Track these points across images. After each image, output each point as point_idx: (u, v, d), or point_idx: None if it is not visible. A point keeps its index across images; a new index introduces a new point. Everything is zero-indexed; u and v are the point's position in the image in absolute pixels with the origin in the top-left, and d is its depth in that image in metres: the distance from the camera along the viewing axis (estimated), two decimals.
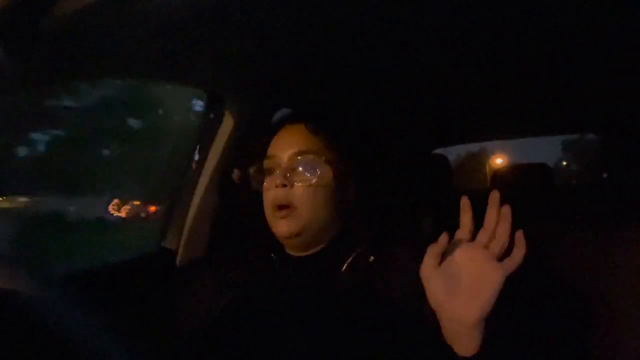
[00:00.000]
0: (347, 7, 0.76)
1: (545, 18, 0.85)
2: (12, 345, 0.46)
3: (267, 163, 0.86)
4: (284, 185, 0.81)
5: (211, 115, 1.20)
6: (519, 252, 0.64)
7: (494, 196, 0.66)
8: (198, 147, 1.23)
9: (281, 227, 0.82)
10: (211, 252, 1.20)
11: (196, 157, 1.23)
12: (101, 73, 0.91)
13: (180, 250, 1.21)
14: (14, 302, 0.45)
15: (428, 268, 0.66)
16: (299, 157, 0.83)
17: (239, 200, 0.97)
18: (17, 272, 0.48)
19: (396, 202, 0.98)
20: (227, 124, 1.16)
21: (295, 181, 0.82)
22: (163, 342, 0.85)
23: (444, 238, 0.65)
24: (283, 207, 0.81)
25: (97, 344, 0.44)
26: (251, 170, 0.88)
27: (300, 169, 0.83)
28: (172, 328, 0.88)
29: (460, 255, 0.66)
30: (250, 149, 0.91)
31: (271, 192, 0.83)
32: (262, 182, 0.87)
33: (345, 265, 0.81)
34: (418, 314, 0.76)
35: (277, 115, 0.94)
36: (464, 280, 0.64)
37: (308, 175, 0.82)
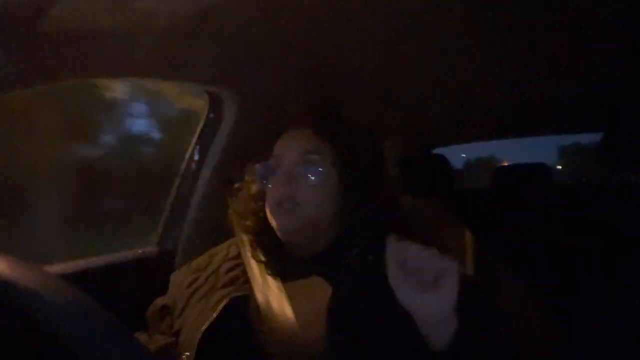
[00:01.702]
0: (348, 8, 0.76)
1: (545, 18, 0.85)
2: (10, 345, 0.46)
3: (272, 162, 0.88)
4: (289, 184, 0.83)
5: (211, 115, 1.20)
6: None
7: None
8: (198, 147, 1.23)
9: (283, 221, 0.83)
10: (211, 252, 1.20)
11: (196, 157, 1.23)
12: (101, 73, 0.91)
13: (180, 250, 1.21)
14: (12, 301, 0.45)
15: (394, 277, 0.69)
16: (305, 158, 0.85)
17: (239, 201, 0.97)
18: (16, 270, 0.48)
19: (396, 202, 0.98)
20: (227, 124, 1.16)
21: (300, 180, 0.83)
22: (162, 342, 0.85)
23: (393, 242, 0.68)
24: (286, 203, 0.82)
25: (96, 344, 0.44)
26: (257, 169, 0.89)
27: (305, 169, 0.84)
28: (172, 329, 0.88)
29: (418, 256, 0.68)
30: (255, 149, 0.92)
31: (275, 190, 0.84)
32: (267, 181, 0.88)
33: (345, 265, 0.82)
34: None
35: (284, 117, 0.95)
36: (425, 278, 0.67)
37: (313, 175, 0.84)
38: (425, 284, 0.67)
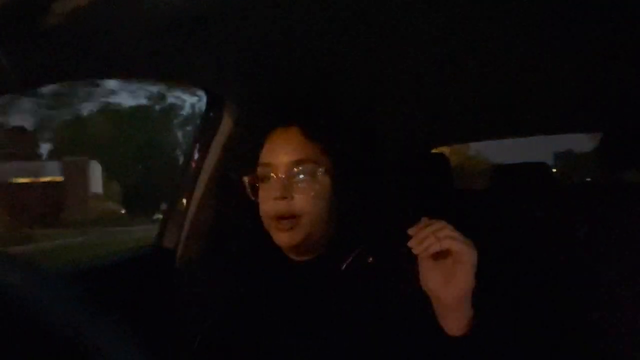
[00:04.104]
0: (346, 8, 0.76)
1: (545, 17, 0.85)
2: (9, 345, 0.46)
3: (261, 171, 0.83)
4: (284, 197, 0.78)
5: (211, 115, 1.20)
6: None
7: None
8: (198, 147, 1.23)
9: (284, 238, 0.80)
10: (211, 252, 1.20)
11: (196, 156, 1.23)
12: (101, 73, 0.91)
13: (180, 250, 1.21)
14: (12, 301, 0.45)
15: (421, 257, 0.69)
16: (298, 167, 0.80)
17: (238, 202, 0.97)
18: (15, 271, 0.48)
19: (396, 203, 0.98)
20: (227, 124, 1.16)
21: (295, 192, 0.79)
22: (162, 343, 0.85)
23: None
24: (284, 218, 0.79)
25: (96, 344, 0.44)
26: (245, 179, 0.85)
27: (300, 179, 0.80)
28: (171, 328, 0.88)
29: (444, 229, 0.68)
30: (249, 149, 0.89)
31: (270, 204, 0.80)
32: (257, 191, 0.84)
33: (344, 266, 0.81)
34: (416, 310, 0.77)
35: (267, 118, 0.90)
36: (444, 263, 0.68)
37: (308, 184, 0.79)
38: (446, 266, 0.67)
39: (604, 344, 1.04)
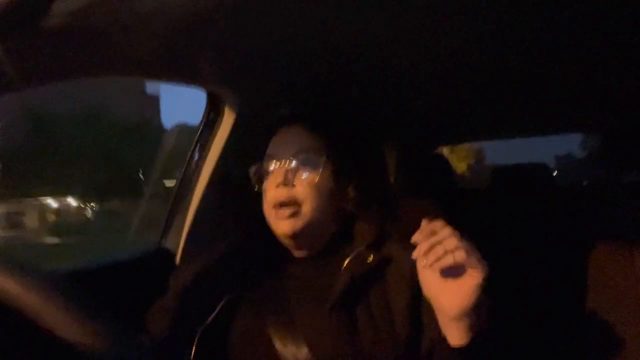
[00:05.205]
0: (347, 7, 0.76)
1: (545, 16, 0.85)
2: (10, 346, 0.46)
3: (267, 163, 0.86)
4: (285, 185, 0.81)
5: (211, 115, 1.20)
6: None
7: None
8: (198, 147, 1.23)
9: (284, 225, 0.82)
10: (211, 252, 1.20)
11: (196, 156, 1.23)
12: (101, 72, 0.91)
13: (180, 250, 1.21)
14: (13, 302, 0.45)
15: (423, 261, 0.67)
16: (300, 156, 0.83)
17: (239, 200, 0.97)
18: (15, 272, 0.48)
19: (396, 202, 0.98)
20: (227, 124, 1.16)
21: (297, 180, 0.82)
22: (162, 342, 0.85)
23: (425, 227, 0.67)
24: (285, 205, 0.81)
25: (96, 344, 0.44)
26: (251, 171, 0.88)
27: (302, 168, 0.82)
28: (172, 328, 0.88)
29: (452, 238, 0.66)
30: (249, 149, 0.91)
31: (272, 192, 0.83)
32: (262, 182, 0.87)
33: (345, 264, 0.81)
34: (416, 311, 0.77)
35: (276, 115, 0.94)
36: (451, 275, 0.66)
37: (309, 174, 0.82)
38: (451, 275, 0.66)
39: (605, 343, 1.03)
